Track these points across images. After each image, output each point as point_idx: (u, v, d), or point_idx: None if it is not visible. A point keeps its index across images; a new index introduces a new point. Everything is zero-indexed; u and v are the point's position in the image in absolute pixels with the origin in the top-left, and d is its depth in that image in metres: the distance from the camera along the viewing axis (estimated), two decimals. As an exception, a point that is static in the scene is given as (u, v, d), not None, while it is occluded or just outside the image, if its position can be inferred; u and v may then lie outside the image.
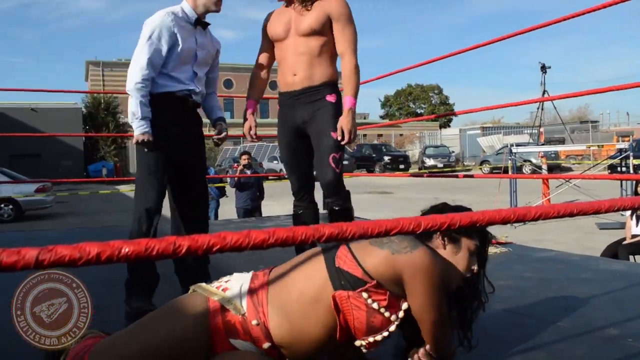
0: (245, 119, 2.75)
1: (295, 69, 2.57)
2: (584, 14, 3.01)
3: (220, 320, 1.38)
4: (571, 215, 0.87)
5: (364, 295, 1.43)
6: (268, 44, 2.74)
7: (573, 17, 3.09)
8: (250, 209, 7.63)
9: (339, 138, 2.51)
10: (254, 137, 2.73)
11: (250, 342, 1.38)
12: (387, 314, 1.46)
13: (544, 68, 11.88)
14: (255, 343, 1.39)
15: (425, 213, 1.71)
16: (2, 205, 12.44)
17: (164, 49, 2.49)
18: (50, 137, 25.94)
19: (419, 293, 1.45)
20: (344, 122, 2.50)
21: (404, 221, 0.69)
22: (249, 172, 7.66)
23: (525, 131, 30.60)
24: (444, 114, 5.38)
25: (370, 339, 1.47)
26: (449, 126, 46.08)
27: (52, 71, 78.25)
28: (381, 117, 58.47)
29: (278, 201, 11.12)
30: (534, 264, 3.42)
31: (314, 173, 2.71)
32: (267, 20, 2.72)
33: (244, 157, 7.69)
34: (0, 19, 69.61)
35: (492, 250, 3.68)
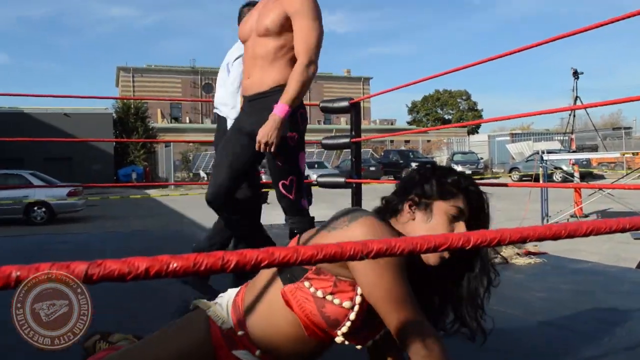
0: None
1: (251, 72, 2.34)
2: (618, 20, 2.94)
3: (219, 333, 1.41)
4: (623, 230, 0.84)
5: (306, 284, 1.30)
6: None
7: (606, 24, 3.02)
8: None
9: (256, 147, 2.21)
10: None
11: (247, 351, 1.40)
12: (337, 301, 1.29)
13: (576, 74, 11.66)
14: (250, 351, 1.40)
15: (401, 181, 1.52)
16: (36, 208, 12.70)
17: None
18: (82, 142, 26.41)
19: (360, 275, 1.26)
20: (261, 131, 2.18)
21: (453, 237, 0.67)
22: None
23: (556, 138, 30.11)
24: (473, 122, 5.30)
25: (340, 332, 1.31)
26: (477, 132, 45.62)
27: (84, 77, 79.86)
28: (408, 123, 58.21)
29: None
30: (570, 275, 3.35)
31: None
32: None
33: None
34: (35, 26, 71.28)
35: (525, 260, 3.61)
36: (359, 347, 1.40)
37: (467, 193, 1.40)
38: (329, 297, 1.29)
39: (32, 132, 24.34)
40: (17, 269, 0.51)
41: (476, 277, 1.39)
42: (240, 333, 1.40)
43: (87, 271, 0.51)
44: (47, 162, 25.67)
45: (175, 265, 0.53)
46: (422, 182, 1.41)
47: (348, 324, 1.30)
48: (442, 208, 1.36)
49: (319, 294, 1.29)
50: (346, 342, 1.34)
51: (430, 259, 1.35)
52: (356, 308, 1.29)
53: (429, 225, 1.36)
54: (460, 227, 1.36)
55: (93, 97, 9.45)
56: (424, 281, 1.40)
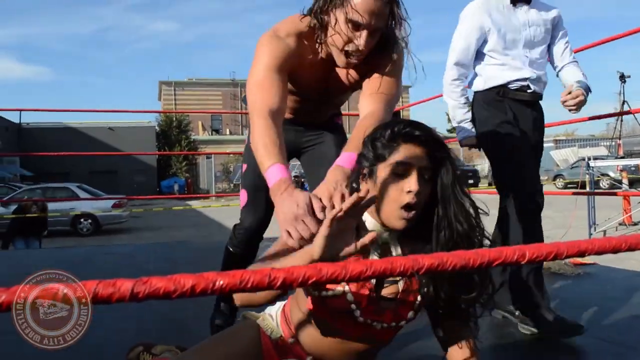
0: (283, 199, 1.60)
1: (314, 116, 2.05)
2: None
3: (269, 342, 1.41)
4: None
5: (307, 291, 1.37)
6: (283, 81, 1.65)
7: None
8: None
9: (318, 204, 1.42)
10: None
11: (297, 359, 1.40)
12: (331, 293, 1.28)
13: (622, 77, 11.30)
14: (301, 359, 1.40)
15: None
16: (82, 220, 13.04)
17: (477, 39, 2.44)
18: (126, 155, 27.09)
19: None
20: (328, 184, 1.37)
21: (508, 251, 0.64)
22: None
23: (602, 144, 29.28)
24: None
25: (358, 315, 1.26)
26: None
27: (127, 91, 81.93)
28: (448, 131, 57.52)
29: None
30: (621, 286, 3.22)
31: None
32: (287, 55, 1.66)
33: None
34: (81, 43, 73.60)
35: (574, 271, 3.50)
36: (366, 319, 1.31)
37: (406, 141, 1.26)
38: (324, 293, 1.27)
39: (78, 146, 25.08)
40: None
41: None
42: (290, 341, 1.40)
43: (133, 289, 0.51)
44: (92, 175, 26.41)
45: (221, 282, 0.52)
46: (362, 153, 1.34)
47: (353, 306, 1.27)
48: (382, 170, 1.26)
49: (316, 294, 1.29)
50: (383, 324, 1.30)
51: (394, 223, 1.25)
52: (347, 288, 1.26)
53: (377, 193, 1.24)
54: (412, 181, 1.22)
55: (136, 112, 9.68)
56: None
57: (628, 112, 4.51)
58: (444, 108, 66.05)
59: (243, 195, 2.08)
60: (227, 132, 45.90)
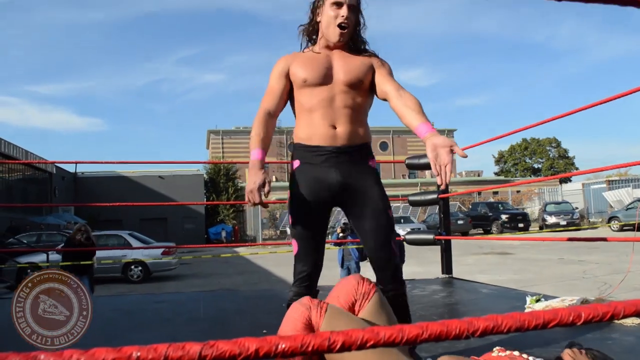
0: (250, 174, 2.12)
1: (335, 121, 2.21)
2: None
3: None
4: None
5: None
6: (284, 88, 2.30)
7: None
8: None
9: (438, 175, 1.82)
10: (265, 196, 2.07)
11: None
12: None
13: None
14: None
15: None
16: (133, 267, 13.32)
17: None
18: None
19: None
20: (444, 141, 1.83)
21: (563, 312, 0.65)
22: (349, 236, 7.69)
23: (658, 184, 28.28)
24: (568, 175, 5.07)
25: None
26: (570, 181, 43.59)
27: (177, 140, 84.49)
28: (495, 173, 56.72)
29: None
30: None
31: (367, 253, 2.25)
32: (287, 61, 2.32)
33: None
34: (135, 95, 76.78)
35: (634, 320, 3.35)
36: None
37: None
38: None
39: (130, 194, 25.87)
40: (137, 349, 0.54)
41: None
42: None
43: (201, 352, 0.54)
44: (143, 222, 27.08)
45: (283, 346, 0.54)
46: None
47: None
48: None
49: None
50: None
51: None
52: None
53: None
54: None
55: (185, 162, 9.96)
56: None
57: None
58: (490, 150, 65.35)
59: (294, 244, 2.24)
60: (274, 179, 46.54)
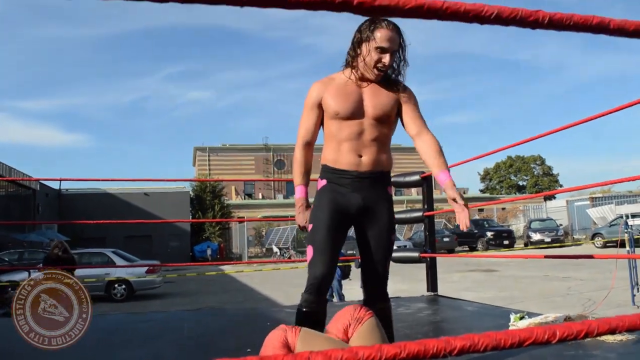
0: (299, 211, 2.56)
1: (362, 151, 2.45)
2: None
3: None
4: None
5: None
6: (318, 118, 2.54)
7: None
8: None
9: (462, 224, 2.33)
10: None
11: None
12: None
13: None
14: None
15: None
16: (116, 285, 13.17)
17: None
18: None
19: None
20: (458, 198, 2.32)
21: (538, 331, 0.66)
22: None
23: (640, 200, 28.61)
24: (552, 192, 5.13)
25: None
26: (555, 198, 43.89)
27: (163, 157, 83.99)
28: (481, 191, 57.02)
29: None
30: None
31: (364, 269, 2.52)
32: (320, 90, 2.52)
33: None
34: (121, 112, 76.29)
35: (616, 337, 3.38)
36: None
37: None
38: None
39: (115, 211, 25.63)
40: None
41: None
42: None
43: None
44: (127, 240, 26.82)
45: (263, 366, 0.55)
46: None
47: None
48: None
49: None
50: None
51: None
52: None
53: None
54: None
55: (170, 180, 9.93)
56: None
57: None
58: (476, 167, 65.86)
59: (309, 250, 2.43)
60: (260, 197, 46.42)
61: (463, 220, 2.31)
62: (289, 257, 25.44)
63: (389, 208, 2.53)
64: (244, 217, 34.42)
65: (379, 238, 2.46)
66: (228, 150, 47.72)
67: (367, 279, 2.49)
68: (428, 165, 2.47)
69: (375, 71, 2.42)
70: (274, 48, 72.20)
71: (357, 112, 2.44)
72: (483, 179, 58.96)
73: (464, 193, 48.87)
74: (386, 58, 2.39)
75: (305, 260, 2.48)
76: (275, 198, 46.35)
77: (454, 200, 2.31)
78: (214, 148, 47.58)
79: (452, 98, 79.49)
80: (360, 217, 2.47)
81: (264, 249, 32.53)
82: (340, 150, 2.46)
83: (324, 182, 2.52)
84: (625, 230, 10.40)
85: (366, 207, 2.45)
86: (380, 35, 2.37)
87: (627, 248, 9.62)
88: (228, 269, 19.04)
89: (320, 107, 2.51)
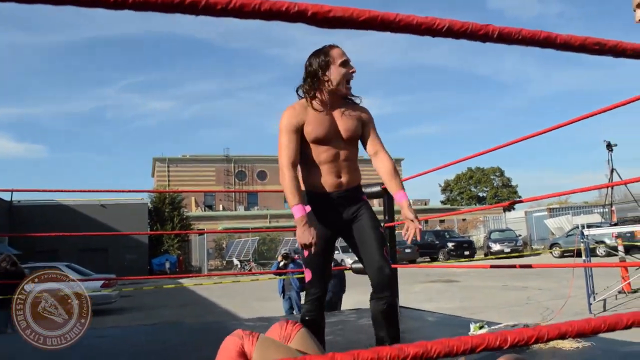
0: (303, 229, 2.58)
1: (341, 172, 2.74)
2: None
3: None
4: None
5: None
6: (298, 142, 2.71)
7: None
8: (330, 301, 7.51)
9: (407, 233, 2.64)
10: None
11: None
12: None
13: (609, 146, 11.52)
14: None
15: None
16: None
17: None
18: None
19: None
20: (411, 215, 2.65)
21: (490, 337, 0.68)
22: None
23: (596, 210, 29.43)
24: (512, 202, 5.27)
25: None
26: (514, 209, 44.84)
27: (121, 167, 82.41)
28: (442, 202, 57.86)
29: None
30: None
31: (363, 267, 2.79)
32: (299, 116, 2.72)
33: None
34: (79, 121, 74.47)
35: (572, 344, 3.47)
36: None
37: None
38: None
39: (69, 223, 25.01)
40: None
41: None
42: None
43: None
44: (82, 253, 26.15)
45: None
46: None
47: None
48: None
49: None
50: None
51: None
52: None
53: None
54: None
55: (128, 191, 9.78)
56: None
57: (618, 183, 4.61)
58: (437, 179, 66.80)
59: (307, 273, 2.77)
60: (220, 208, 46.01)
61: (411, 234, 2.61)
62: (250, 270, 25.24)
63: (370, 209, 2.82)
64: (203, 229, 34.04)
65: (369, 233, 2.72)
66: (188, 161, 47.23)
67: (371, 273, 2.70)
68: (385, 185, 2.81)
69: (347, 84, 2.74)
70: (237, 59, 71.95)
71: (332, 136, 2.72)
72: (444, 190, 59.83)
73: (425, 204, 49.50)
74: (352, 68, 2.73)
75: (265, 273, 2.75)
76: (236, 210, 46.04)
77: (410, 219, 2.63)
78: (174, 159, 47.01)
79: (415, 110, 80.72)
80: (347, 227, 2.77)
81: (224, 262, 32.20)
82: (321, 174, 2.72)
83: (309, 207, 2.69)
84: (582, 240, 10.69)
85: (350, 219, 2.76)
86: (337, 52, 2.71)
87: (584, 257, 9.89)
88: (187, 282, 18.77)
89: (300, 132, 2.72)
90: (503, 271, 16.78)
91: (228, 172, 47.82)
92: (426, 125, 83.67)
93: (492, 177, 57.97)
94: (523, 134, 3.82)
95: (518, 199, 26.77)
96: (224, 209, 45.92)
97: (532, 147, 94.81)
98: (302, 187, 2.75)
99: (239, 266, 27.50)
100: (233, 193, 47.80)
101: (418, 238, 2.70)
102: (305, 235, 2.57)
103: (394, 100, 78.46)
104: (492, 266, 5.32)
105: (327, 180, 2.72)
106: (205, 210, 44.31)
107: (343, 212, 2.76)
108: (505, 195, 55.42)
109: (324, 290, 2.79)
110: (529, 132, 3.77)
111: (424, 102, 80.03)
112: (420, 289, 14.00)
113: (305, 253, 2.70)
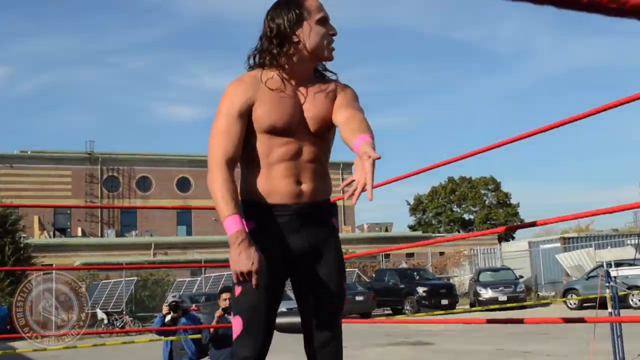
0: (239, 250, 2.47)
1: (301, 176, 2.70)
2: None
3: None
4: None
5: None
6: (242, 129, 2.70)
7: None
8: None
9: (353, 185, 2.35)
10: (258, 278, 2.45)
11: None
12: None
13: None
14: None
15: None
16: None
17: None
18: None
19: None
20: (368, 148, 2.37)
21: None
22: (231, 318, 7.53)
23: (629, 242, 30.28)
24: (510, 227, 5.32)
25: None
26: (513, 238, 45.25)
27: None
28: (410, 227, 58.36)
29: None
30: None
31: (305, 331, 2.77)
32: (249, 93, 2.71)
33: (224, 295, 7.29)
34: None
35: None
36: None
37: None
38: None
39: None
40: None
41: None
42: None
43: None
44: None
45: None
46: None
47: None
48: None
49: None
50: None
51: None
52: None
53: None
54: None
55: None
56: None
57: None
58: (404, 194, 67.43)
59: (237, 323, 2.66)
60: (79, 233, 44.97)
61: (362, 182, 2.31)
62: (122, 327, 24.76)
63: (337, 247, 2.82)
64: (52, 265, 33.16)
65: (327, 287, 2.69)
66: (30, 160, 45.99)
67: (313, 345, 2.70)
68: (348, 142, 2.56)
69: (329, 47, 2.75)
70: (105, 7, 70.68)
71: (295, 126, 2.70)
72: (414, 210, 60.56)
73: (386, 230, 49.81)
74: (333, 29, 2.76)
75: (145, 331, 2.68)
76: (103, 235, 45.18)
77: (366, 155, 2.34)
78: (7, 157, 45.67)
79: (367, 92, 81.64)
80: (302, 263, 2.73)
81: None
82: (272, 177, 2.68)
83: (251, 224, 2.66)
84: (608, 284, 10.96)
85: (310, 250, 2.72)
86: (313, 4, 2.72)
87: (610, 309, 10.16)
88: (23, 346, 18.24)
89: (247, 115, 2.69)
90: (497, 329, 17.08)
91: (92, 178, 46.91)
92: (385, 113, 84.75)
93: (482, 191, 59.03)
94: (525, 129, 3.85)
95: (519, 224, 27.10)
96: (84, 234, 44.94)
97: (538, 148, 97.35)
98: (240, 197, 2.69)
99: (106, 321, 26.96)
100: (99, 209, 46.83)
101: (370, 197, 2.35)
102: (241, 259, 2.43)
103: (343, 76, 78.88)
104: (488, 321, 5.35)
105: (281, 186, 2.67)
106: (54, 237, 43.22)
107: (302, 236, 2.70)
108: (502, 217, 56.49)
109: (260, 353, 2.67)
110: (534, 126, 3.79)
111: (380, 80, 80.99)
112: (378, 355, 14.07)
113: (238, 290, 2.64)
